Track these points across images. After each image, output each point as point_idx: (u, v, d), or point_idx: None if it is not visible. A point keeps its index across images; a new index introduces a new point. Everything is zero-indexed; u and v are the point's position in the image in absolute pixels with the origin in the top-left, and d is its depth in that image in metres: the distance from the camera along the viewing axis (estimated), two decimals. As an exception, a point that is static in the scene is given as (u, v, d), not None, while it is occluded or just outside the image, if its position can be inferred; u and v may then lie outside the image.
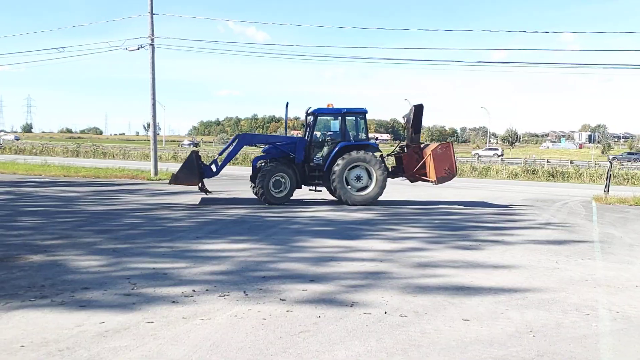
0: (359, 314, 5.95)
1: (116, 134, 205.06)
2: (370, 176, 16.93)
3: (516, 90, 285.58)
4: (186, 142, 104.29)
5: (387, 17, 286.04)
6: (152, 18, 25.89)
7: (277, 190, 16.41)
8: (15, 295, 6.25)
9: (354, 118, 17.62)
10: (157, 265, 7.92)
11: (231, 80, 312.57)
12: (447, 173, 17.58)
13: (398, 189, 22.39)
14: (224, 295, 6.48)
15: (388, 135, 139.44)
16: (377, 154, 17.22)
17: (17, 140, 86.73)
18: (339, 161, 16.59)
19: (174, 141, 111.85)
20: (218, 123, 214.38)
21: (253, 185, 17.14)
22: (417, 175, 17.89)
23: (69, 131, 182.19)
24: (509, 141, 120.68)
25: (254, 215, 14.04)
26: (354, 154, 16.71)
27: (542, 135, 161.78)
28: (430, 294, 6.88)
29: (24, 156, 46.20)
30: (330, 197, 18.19)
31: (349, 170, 16.75)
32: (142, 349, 4.75)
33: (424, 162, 17.52)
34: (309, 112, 17.77)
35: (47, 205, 15.04)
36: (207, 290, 6.71)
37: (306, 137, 17.59)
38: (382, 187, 16.93)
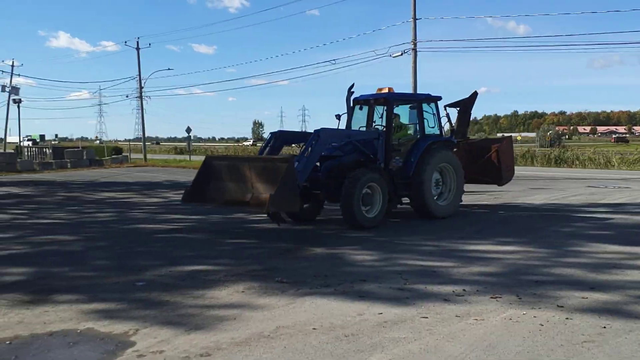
0: (652, 329, 5.33)
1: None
2: (447, 181, 13.28)
3: None
4: None
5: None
6: (414, 23, 26.73)
7: (366, 208, 11.31)
8: (304, 283, 7.02)
9: (429, 106, 13.43)
10: (425, 263, 8.14)
11: (490, 77, 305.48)
12: (509, 172, 14.95)
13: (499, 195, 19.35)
14: (496, 297, 6.37)
15: None
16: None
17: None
18: (428, 163, 12.47)
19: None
20: (476, 122, 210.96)
21: (307, 203, 12.04)
22: (472, 176, 14.37)
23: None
24: None
25: (517, 215, 13.50)
26: (441, 153, 12.86)
27: None
28: None
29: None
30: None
31: None
32: (420, 342, 4.94)
33: (485, 161, 14.50)
34: (374, 99, 13.16)
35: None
36: (477, 290, 6.67)
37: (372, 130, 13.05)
38: (462, 194, 13.58)
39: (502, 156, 14.39)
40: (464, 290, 6.68)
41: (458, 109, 14.41)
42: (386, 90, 12.95)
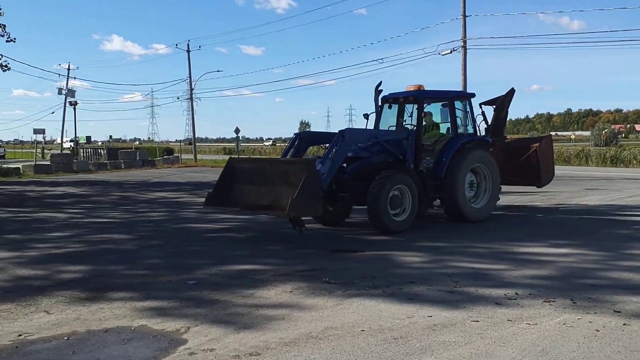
0: None
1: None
2: (482, 182, 12.58)
3: None
4: None
5: None
6: (464, 21, 26.40)
7: (394, 212, 10.83)
8: (352, 284, 7.00)
9: (462, 104, 12.85)
10: (476, 265, 8.00)
11: (542, 75, 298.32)
12: (548, 172, 14.04)
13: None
14: (549, 301, 6.21)
15: None
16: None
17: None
18: (462, 163, 11.86)
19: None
20: (527, 120, 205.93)
21: (334, 206, 11.66)
22: (508, 177, 13.64)
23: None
24: None
25: (571, 216, 13.11)
26: (475, 153, 12.19)
27: None
28: None
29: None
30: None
31: None
32: (471, 346, 4.86)
33: (523, 161, 13.74)
34: (402, 97, 12.59)
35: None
36: (530, 294, 6.51)
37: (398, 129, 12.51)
38: (498, 196, 12.86)
39: (541, 156, 13.68)
40: (516, 293, 6.54)
41: (494, 107, 13.66)
42: (416, 88, 12.35)
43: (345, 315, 5.79)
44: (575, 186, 21.63)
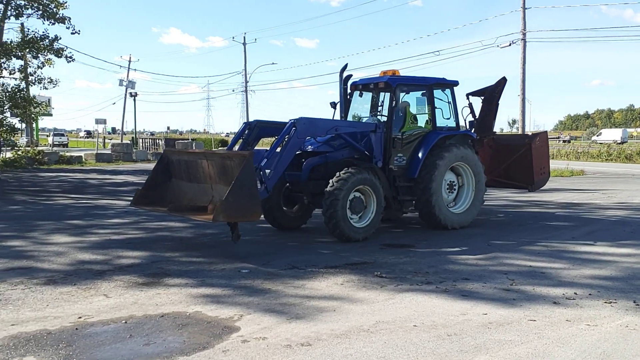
0: None
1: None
2: (464, 184, 11.04)
3: None
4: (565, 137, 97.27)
5: None
6: (524, 13, 25.69)
7: (356, 217, 9.43)
8: (404, 279, 6.93)
9: (443, 93, 11.10)
10: (533, 264, 7.78)
11: (604, 69, 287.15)
12: (543, 174, 12.58)
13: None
14: (610, 302, 5.98)
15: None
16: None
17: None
18: (439, 162, 10.28)
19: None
20: (587, 116, 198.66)
21: (289, 207, 10.58)
22: (497, 179, 12.48)
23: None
24: None
25: (633, 216, 12.57)
26: (456, 150, 10.59)
27: None
28: None
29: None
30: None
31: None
32: (527, 346, 4.72)
33: (515, 160, 12.24)
34: (374, 83, 10.77)
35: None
36: (589, 294, 6.28)
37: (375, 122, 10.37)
38: (483, 200, 11.30)
39: (535, 155, 12.16)
40: (575, 293, 6.32)
41: (482, 98, 11.92)
42: (391, 74, 10.74)
43: (397, 309, 5.74)
44: (638, 184, 20.79)
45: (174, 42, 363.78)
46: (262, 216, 9.44)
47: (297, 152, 9.50)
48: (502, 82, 11.81)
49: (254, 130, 10.02)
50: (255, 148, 9.97)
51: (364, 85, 11.12)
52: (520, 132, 27.35)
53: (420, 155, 10.33)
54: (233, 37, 55.74)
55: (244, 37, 53.63)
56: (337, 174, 9.15)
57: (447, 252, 8.60)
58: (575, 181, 22.92)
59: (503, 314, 5.56)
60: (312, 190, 9.67)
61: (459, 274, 7.20)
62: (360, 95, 11.44)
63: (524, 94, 26.24)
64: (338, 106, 11.12)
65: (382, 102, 11.10)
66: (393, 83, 10.30)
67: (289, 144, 8.95)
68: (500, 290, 6.42)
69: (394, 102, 10.26)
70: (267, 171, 8.70)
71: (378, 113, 11.03)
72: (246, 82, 55.68)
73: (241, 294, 6.23)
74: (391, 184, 10.10)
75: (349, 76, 11.01)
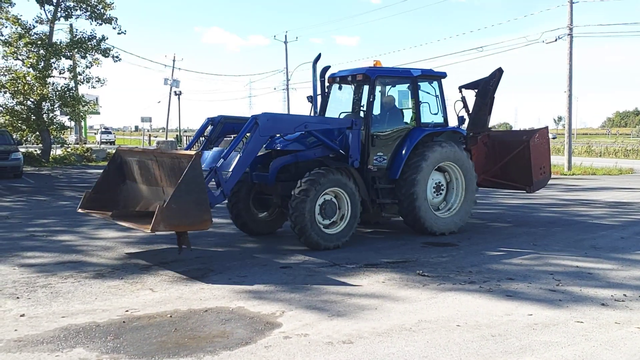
0: None
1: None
2: (453, 185, 10.13)
3: None
4: None
5: None
6: (571, 7, 25.01)
7: (327, 223, 8.60)
8: (447, 278, 6.86)
9: (430, 86, 10.15)
10: (580, 264, 7.59)
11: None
12: (543, 174, 11.30)
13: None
14: (663, 306, 5.79)
15: None
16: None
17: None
18: (422, 163, 9.40)
19: (585, 134, 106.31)
20: (637, 113, 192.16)
21: (261, 210, 9.82)
22: (493, 179, 11.43)
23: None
24: None
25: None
26: (443, 148, 9.68)
27: None
28: None
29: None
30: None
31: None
32: (574, 348, 4.61)
33: (512, 159, 11.07)
34: (352, 76, 9.83)
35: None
36: (640, 297, 6.11)
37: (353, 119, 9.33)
38: (474, 202, 10.37)
39: (534, 153, 11.02)
40: (624, 295, 6.14)
41: (476, 91, 10.64)
42: (376, 65, 9.86)
43: (440, 309, 5.68)
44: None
45: (216, 41, 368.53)
46: (232, 221, 9.38)
47: (267, 151, 8.98)
48: (497, 73, 10.50)
49: (217, 126, 9.33)
50: (219, 147, 9.19)
51: (341, 78, 10.18)
52: (566, 129, 26.70)
53: (402, 154, 9.49)
54: (274, 36, 55.85)
55: (285, 36, 53.81)
56: (307, 174, 8.42)
57: (490, 251, 8.47)
58: (624, 180, 22.26)
59: (549, 315, 5.44)
60: (281, 193, 8.89)
61: (503, 273, 7.08)
62: (340, 88, 10.47)
63: (570, 90, 25.55)
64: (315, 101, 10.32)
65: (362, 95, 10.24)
66: (372, 75, 9.46)
67: (250, 142, 8.24)
68: (545, 291, 6.28)
69: (372, 95, 9.38)
70: (224, 173, 7.94)
71: (362, 108, 10.02)
72: (287, 80, 55.92)
73: (283, 291, 6.27)
74: (370, 186, 9.29)
75: (327, 67, 10.26)
